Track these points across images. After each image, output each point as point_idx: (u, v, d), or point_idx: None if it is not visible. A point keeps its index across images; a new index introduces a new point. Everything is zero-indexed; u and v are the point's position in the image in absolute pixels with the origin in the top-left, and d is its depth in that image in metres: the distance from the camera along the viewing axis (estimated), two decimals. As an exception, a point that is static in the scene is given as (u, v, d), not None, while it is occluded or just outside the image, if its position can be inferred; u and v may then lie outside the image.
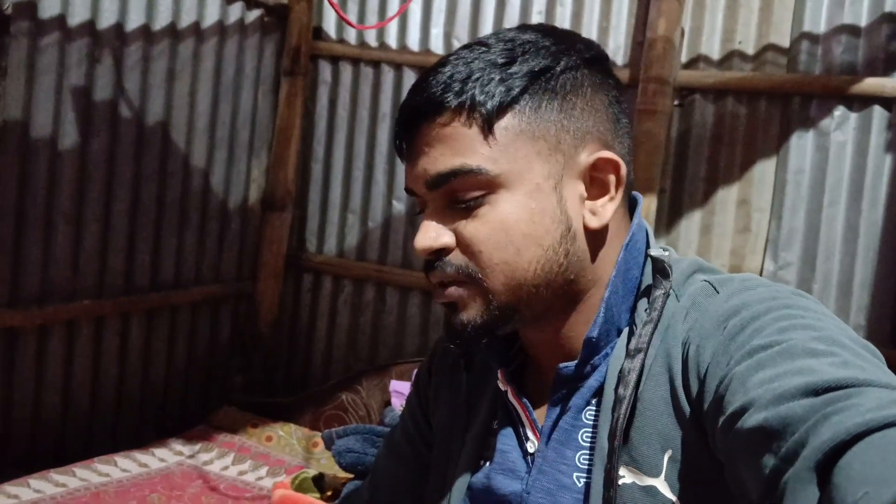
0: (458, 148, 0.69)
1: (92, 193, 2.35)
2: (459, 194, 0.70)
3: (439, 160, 0.70)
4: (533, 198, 0.69)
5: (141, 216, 2.51)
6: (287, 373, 3.07)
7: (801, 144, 2.44)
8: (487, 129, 0.69)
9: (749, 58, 2.50)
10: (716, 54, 2.53)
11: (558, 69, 0.71)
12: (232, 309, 2.96)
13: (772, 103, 2.47)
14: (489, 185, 0.69)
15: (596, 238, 0.73)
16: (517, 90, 0.69)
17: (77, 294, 2.35)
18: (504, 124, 0.69)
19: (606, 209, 0.72)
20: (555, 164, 0.70)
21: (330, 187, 3.00)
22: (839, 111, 2.40)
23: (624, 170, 0.72)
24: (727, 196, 2.53)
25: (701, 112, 2.54)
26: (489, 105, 0.69)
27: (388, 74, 2.88)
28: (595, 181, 0.72)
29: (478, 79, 0.69)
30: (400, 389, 2.48)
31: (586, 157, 0.71)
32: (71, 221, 2.30)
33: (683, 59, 2.52)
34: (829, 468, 0.47)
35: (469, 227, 0.70)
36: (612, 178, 0.72)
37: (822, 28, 2.41)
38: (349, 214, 2.98)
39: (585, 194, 0.72)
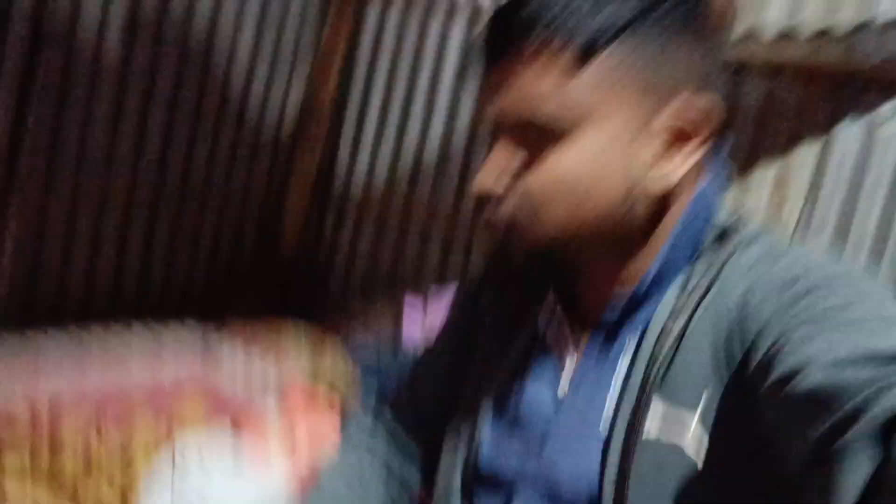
0: (537, 92, 0.65)
1: (132, 97, 2.39)
2: (531, 137, 0.67)
3: (517, 102, 0.66)
4: (605, 151, 0.66)
5: (177, 121, 2.55)
6: (306, 286, 3.14)
7: (848, 133, 2.38)
8: (574, 69, 0.64)
9: (806, 39, 2.42)
10: (771, 33, 2.46)
11: (665, 7, 0.64)
12: (258, 220, 3.01)
13: (823, 87, 2.41)
14: (562, 135, 0.66)
15: (664, 193, 0.70)
16: (612, 30, 0.63)
17: (109, 197, 2.41)
18: (590, 70, 0.64)
19: (678, 169, 0.68)
20: (633, 118, 0.66)
21: (367, 115, 3.00)
22: (892, 103, 2.33)
23: (711, 127, 0.67)
24: (763, 176, 2.49)
25: (750, 89, 2.49)
26: (579, 42, 0.63)
27: (440, 4, 2.83)
28: (678, 135, 0.67)
29: (574, 10, 0.63)
30: (413, 306, 2.48)
31: (673, 109, 0.66)
32: (110, 124, 2.35)
33: (737, 34, 2.46)
34: (888, 438, 0.45)
35: (533, 177, 0.68)
36: (694, 137, 0.67)
37: (885, 15, 2.32)
38: (383, 143, 2.98)
39: (661, 150, 0.68)
